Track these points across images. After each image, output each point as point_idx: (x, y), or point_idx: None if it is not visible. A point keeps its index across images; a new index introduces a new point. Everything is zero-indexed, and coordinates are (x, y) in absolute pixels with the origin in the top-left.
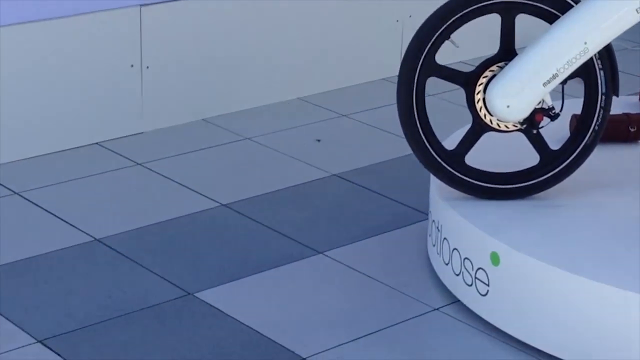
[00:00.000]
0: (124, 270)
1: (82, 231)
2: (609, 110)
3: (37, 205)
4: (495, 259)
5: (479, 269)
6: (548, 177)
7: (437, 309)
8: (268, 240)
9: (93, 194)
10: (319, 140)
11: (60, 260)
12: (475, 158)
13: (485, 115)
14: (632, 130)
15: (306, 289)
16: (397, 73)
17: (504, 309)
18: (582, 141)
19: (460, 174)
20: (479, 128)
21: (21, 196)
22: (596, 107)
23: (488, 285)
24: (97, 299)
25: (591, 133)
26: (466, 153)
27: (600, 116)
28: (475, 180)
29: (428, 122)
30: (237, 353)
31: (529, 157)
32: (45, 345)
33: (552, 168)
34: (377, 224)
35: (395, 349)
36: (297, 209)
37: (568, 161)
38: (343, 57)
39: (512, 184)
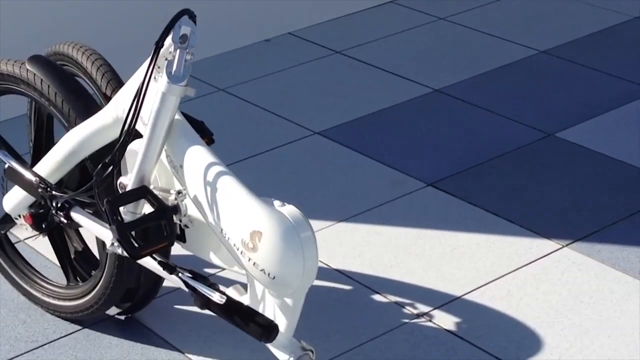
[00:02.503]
0: (480, 117)
1: (420, 83)
2: None
3: (363, 62)
4: None
5: None
6: None
7: None
8: (598, 81)
9: (407, 48)
10: None
11: (407, 111)
12: None
13: None
14: None
15: None
16: None
17: None
18: None
19: None
20: None
21: (344, 55)
22: None
23: None
24: (468, 144)
25: None
26: None
27: None
28: None
29: None
30: (621, 186)
31: None
32: (436, 187)
33: None
34: None
35: None
36: (611, 53)
37: None
38: None
39: None
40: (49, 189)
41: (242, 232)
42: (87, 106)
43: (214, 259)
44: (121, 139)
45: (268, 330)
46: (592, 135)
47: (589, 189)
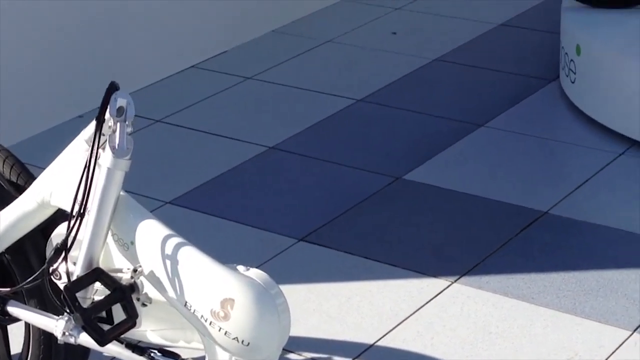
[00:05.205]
0: (323, 168)
1: (252, 142)
2: None
3: (186, 127)
4: (578, 50)
5: (571, 60)
6: None
7: None
8: (422, 122)
9: (226, 110)
10: (394, 33)
11: (250, 171)
12: None
13: None
14: None
15: (493, 154)
16: None
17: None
18: None
19: None
20: None
21: (164, 122)
22: None
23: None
24: (323, 197)
25: None
26: None
27: None
28: None
29: None
30: (483, 219)
31: None
32: (307, 242)
33: None
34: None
35: None
36: (425, 95)
37: None
38: None
39: None
40: None
41: (211, 302)
42: None
43: (169, 336)
44: (75, 221)
45: None
46: (438, 174)
47: (454, 224)
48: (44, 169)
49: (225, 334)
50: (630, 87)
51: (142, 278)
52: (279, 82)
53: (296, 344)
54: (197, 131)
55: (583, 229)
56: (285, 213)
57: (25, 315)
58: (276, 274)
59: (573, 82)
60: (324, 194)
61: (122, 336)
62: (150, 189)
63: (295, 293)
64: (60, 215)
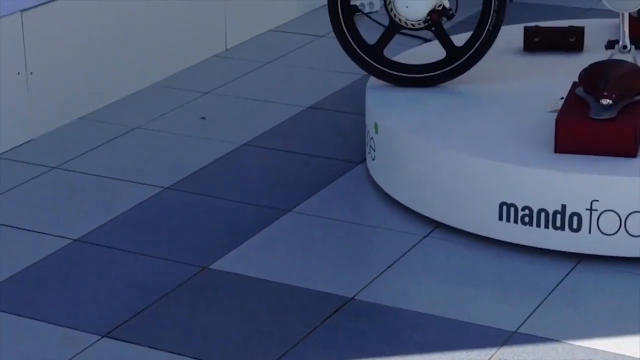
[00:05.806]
0: (130, 260)
1: (56, 235)
2: (503, 13)
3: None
4: (376, 128)
5: (371, 138)
6: (451, 69)
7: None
8: (230, 209)
9: (28, 203)
10: (203, 118)
11: (52, 266)
12: (395, 53)
13: (395, 15)
14: (571, 40)
15: (300, 240)
16: None
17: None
18: (479, 40)
19: (378, 64)
20: (393, 26)
21: None
22: (490, 10)
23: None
24: (127, 289)
25: (486, 33)
26: (384, 47)
27: (494, 18)
28: (390, 70)
29: (353, 22)
30: (292, 307)
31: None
32: (112, 338)
33: (455, 62)
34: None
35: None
36: (233, 181)
37: (467, 56)
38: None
39: (420, 74)
40: None
41: None
42: None
43: None
44: None
45: None
46: (245, 262)
47: (261, 314)
48: None
49: None
50: (423, 167)
51: None
52: (85, 172)
53: None
54: None
55: (388, 313)
56: (88, 308)
57: None
58: None
59: (374, 160)
60: (129, 287)
61: None
62: None
63: None
64: None
